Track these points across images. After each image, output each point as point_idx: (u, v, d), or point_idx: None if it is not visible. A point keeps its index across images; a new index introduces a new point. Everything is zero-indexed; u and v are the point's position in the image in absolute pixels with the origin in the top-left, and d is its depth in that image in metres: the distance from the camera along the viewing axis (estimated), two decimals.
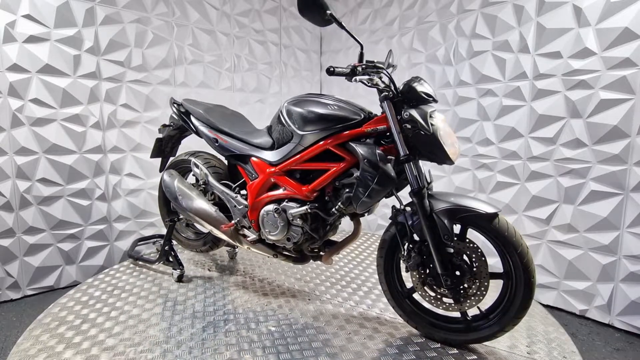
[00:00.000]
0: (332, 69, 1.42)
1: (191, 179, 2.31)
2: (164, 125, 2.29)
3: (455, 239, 1.42)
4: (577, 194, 2.07)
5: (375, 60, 1.52)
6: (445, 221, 1.39)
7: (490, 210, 1.36)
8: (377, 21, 3.16)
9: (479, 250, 1.41)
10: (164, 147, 2.33)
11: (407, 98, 1.44)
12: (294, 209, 1.67)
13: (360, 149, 1.50)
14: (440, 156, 1.41)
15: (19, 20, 2.16)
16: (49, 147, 2.31)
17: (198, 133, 2.08)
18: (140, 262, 2.37)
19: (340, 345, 1.55)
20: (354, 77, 1.43)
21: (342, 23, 1.43)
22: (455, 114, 2.64)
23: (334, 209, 1.61)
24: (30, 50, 2.20)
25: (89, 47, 2.41)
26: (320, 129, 1.60)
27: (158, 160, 2.42)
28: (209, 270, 2.32)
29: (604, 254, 1.99)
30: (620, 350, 1.79)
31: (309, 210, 1.64)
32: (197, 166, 2.10)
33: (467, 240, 1.43)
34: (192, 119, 2.09)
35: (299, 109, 1.66)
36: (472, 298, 1.43)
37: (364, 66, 1.46)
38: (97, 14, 2.43)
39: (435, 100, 1.46)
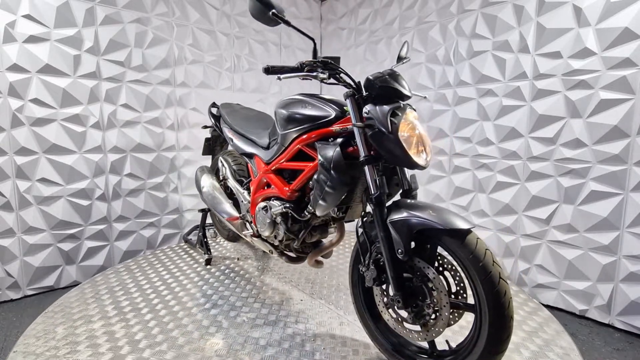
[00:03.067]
0: (268, 67, 1.28)
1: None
2: (204, 127, 2.58)
3: (415, 255, 1.26)
4: (577, 194, 2.07)
5: (324, 56, 1.38)
6: (401, 234, 1.21)
7: (458, 225, 1.13)
8: (377, 21, 3.16)
9: (446, 271, 1.24)
10: (213, 146, 2.58)
11: (371, 94, 1.31)
12: (274, 208, 1.67)
13: (320, 150, 1.41)
14: (404, 159, 1.24)
15: (19, 20, 2.16)
16: (49, 147, 2.31)
17: (223, 134, 2.23)
18: (187, 244, 2.85)
19: (298, 350, 1.55)
20: (278, 76, 1.29)
21: (289, 21, 1.31)
22: (455, 114, 2.64)
23: (306, 211, 1.59)
24: (30, 50, 2.20)
25: (89, 47, 2.41)
26: (293, 129, 1.58)
27: (157, 160, 2.55)
28: (237, 259, 2.60)
29: (604, 254, 1.99)
30: (620, 350, 1.79)
31: (283, 210, 1.63)
32: (222, 163, 2.32)
33: (441, 258, 1.26)
34: (221, 121, 2.26)
35: (281, 109, 1.65)
36: (433, 328, 1.25)
37: (317, 62, 1.33)
38: (97, 14, 2.43)
39: (404, 96, 1.30)
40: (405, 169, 1.38)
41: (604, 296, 2.00)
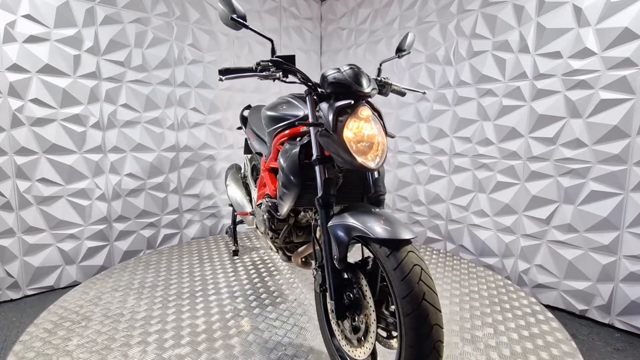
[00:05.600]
0: (223, 69, 1.23)
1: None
2: (239, 128, 2.72)
3: (356, 263, 1.19)
4: (577, 194, 2.07)
5: (277, 55, 1.30)
6: (337, 239, 1.13)
7: (388, 234, 1.02)
8: (377, 21, 3.16)
9: (382, 284, 1.13)
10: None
11: (326, 92, 1.24)
12: (264, 205, 1.70)
13: (281, 149, 1.40)
14: (348, 160, 1.14)
15: (19, 20, 2.16)
16: (49, 147, 2.31)
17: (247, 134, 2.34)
18: (227, 235, 3.09)
19: (260, 345, 1.59)
20: (220, 78, 1.22)
21: (248, 25, 1.26)
22: (455, 114, 2.64)
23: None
24: (30, 50, 2.20)
25: (89, 47, 2.41)
26: (270, 128, 1.62)
27: (157, 160, 2.60)
28: (263, 253, 2.78)
29: (604, 254, 1.99)
30: (620, 350, 1.79)
31: (266, 207, 1.65)
32: (245, 161, 2.46)
33: (381, 269, 1.11)
34: (247, 122, 2.36)
35: (265, 109, 1.70)
36: (364, 345, 1.17)
37: (270, 62, 1.28)
38: (97, 14, 2.43)
39: (361, 93, 1.19)
40: (372, 172, 1.31)
41: (604, 296, 2.00)
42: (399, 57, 1.58)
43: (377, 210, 1.16)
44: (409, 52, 1.58)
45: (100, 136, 2.51)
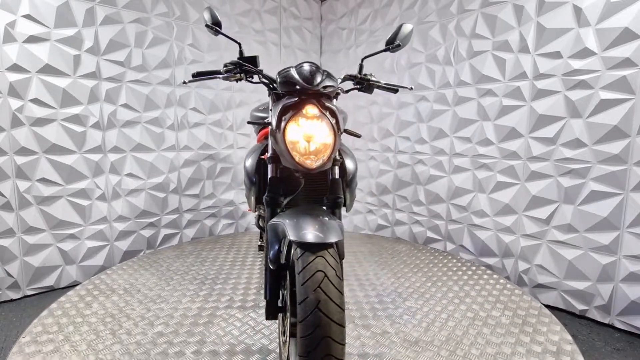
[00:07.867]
0: (196, 72, 1.27)
1: None
2: None
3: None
4: (577, 194, 2.07)
5: (239, 57, 1.32)
6: (271, 238, 1.11)
7: (301, 237, 0.97)
8: (377, 21, 3.16)
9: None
10: None
11: (280, 90, 1.20)
12: None
13: (249, 148, 1.49)
14: (288, 159, 1.11)
15: (19, 20, 2.16)
16: (49, 147, 2.31)
17: None
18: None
19: (235, 337, 1.65)
20: (183, 80, 1.25)
21: (221, 31, 1.31)
22: (455, 114, 2.64)
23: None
24: (30, 50, 2.20)
25: (89, 47, 2.41)
26: (256, 129, 1.70)
27: (157, 160, 2.58)
28: None
29: (604, 254, 1.99)
30: (620, 350, 1.79)
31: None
32: None
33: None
34: None
35: (252, 110, 1.79)
36: (286, 349, 1.15)
37: (233, 65, 1.29)
38: (97, 14, 2.43)
39: (312, 90, 1.12)
40: (331, 173, 1.27)
41: (604, 296, 2.00)
42: (390, 50, 1.41)
43: (317, 212, 1.11)
44: (400, 45, 1.39)
45: (100, 136, 2.51)
